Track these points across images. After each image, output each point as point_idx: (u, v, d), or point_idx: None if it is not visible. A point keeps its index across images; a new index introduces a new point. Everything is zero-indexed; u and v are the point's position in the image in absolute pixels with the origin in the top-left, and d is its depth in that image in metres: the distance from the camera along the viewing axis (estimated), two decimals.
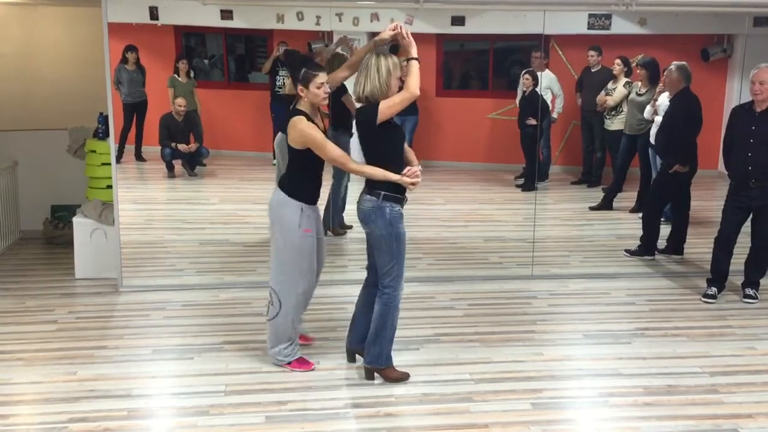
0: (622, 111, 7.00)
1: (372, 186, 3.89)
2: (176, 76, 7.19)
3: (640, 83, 6.73)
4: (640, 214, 6.45)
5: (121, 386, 3.98)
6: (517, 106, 7.32)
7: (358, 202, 3.95)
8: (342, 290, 5.35)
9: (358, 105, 3.91)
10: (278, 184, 4.10)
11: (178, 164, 7.20)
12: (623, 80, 6.99)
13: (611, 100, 7.05)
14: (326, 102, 4.03)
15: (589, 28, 6.89)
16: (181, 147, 6.99)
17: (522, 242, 6.32)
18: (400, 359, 4.29)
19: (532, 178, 7.11)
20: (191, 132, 7.11)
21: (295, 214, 3.97)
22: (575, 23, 6.92)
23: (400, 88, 3.77)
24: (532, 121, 6.88)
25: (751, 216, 5.35)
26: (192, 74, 7.29)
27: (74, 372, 4.15)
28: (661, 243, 6.31)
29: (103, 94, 5.41)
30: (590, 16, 6.81)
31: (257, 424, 3.61)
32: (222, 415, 3.68)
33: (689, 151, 5.92)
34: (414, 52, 3.82)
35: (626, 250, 6.36)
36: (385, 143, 3.84)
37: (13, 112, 7.36)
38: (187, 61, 7.24)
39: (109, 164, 5.62)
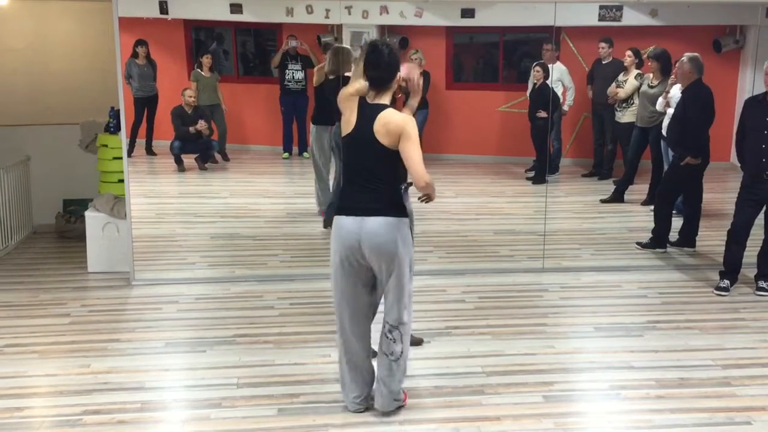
0: (633, 103, 6.96)
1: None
2: (199, 70, 7.22)
3: (651, 75, 6.69)
4: (652, 207, 6.42)
5: (135, 379, 4.00)
6: (528, 98, 7.30)
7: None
8: None
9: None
10: (373, 206, 3.42)
11: (187, 158, 7.24)
12: (634, 72, 6.96)
13: (622, 92, 7.01)
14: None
15: (600, 20, 6.86)
16: (198, 126, 6.94)
17: (533, 235, 6.30)
18: (411, 352, 4.29)
19: (542, 170, 7.09)
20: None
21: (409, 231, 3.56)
22: (586, 15, 6.89)
23: None
24: (543, 114, 6.86)
25: (764, 208, 5.32)
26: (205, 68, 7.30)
27: (88, 365, 4.17)
28: (673, 235, 6.28)
29: (114, 89, 5.43)
30: (601, 7, 6.78)
31: (269, 416, 3.62)
32: (234, 408, 3.69)
33: (701, 143, 5.88)
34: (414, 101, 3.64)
35: (638, 243, 6.33)
36: None
37: (25, 107, 7.40)
38: (210, 56, 7.26)
39: (121, 158, 5.64)
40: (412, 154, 3.33)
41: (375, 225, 3.39)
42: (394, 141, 3.35)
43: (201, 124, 6.91)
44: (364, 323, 3.60)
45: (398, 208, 3.47)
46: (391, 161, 3.41)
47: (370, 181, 3.43)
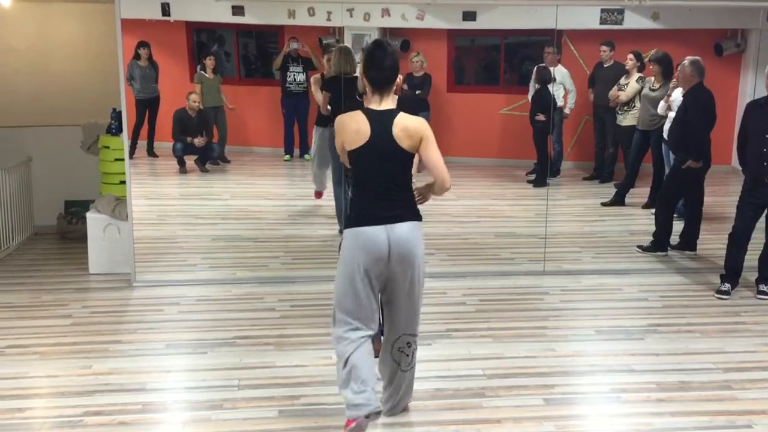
0: (634, 106, 6.98)
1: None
2: (203, 72, 7.23)
3: (653, 78, 6.70)
4: (653, 210, 6.43)
5: (136, 380, 4.01)
6: (529, 101, 7.32)
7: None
8: None
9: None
10: (398, 212, 3.33)
11: (189, 160, 7.25)
12: (636, 75, 6.97)
13: (624, 96, 7.02)
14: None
15: (601, 23, 6.89)
16: (196, 141, 7.01)
17: (534, 238, 6.31)
18: None
19: (543, 173, 7.10)
20: (203, 128, 7.15)
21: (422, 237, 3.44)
22: (588, 18, 6.92)
23: None
24: (542, 117, 6.88)
25: (765, 212, 5.33)
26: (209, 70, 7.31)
27: (89, 366, 4.17)
28: (674, 239, 6.29)
29: (116, 90, 5.43)
30: (603, 11, 6.81)
31: (270, 418, 3.63)
32: (235, 410, 3.70)
33: (702, 147, 5.89)
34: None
35: (639, 246, 6.34)
36: None
37: (27, 108, 7.41)
38: (214, 58, 7.28)
39: (122, 160, 5.65)
40: (435, 157, 3.34)
41: (405, 231, 3.32)
42: (414, 143, 3.31)
43: (200, 141, 6.97)
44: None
45: (418, 212, 3.45)
46: (409, 165, 3.39)
47: (391, 188, 3.36)
